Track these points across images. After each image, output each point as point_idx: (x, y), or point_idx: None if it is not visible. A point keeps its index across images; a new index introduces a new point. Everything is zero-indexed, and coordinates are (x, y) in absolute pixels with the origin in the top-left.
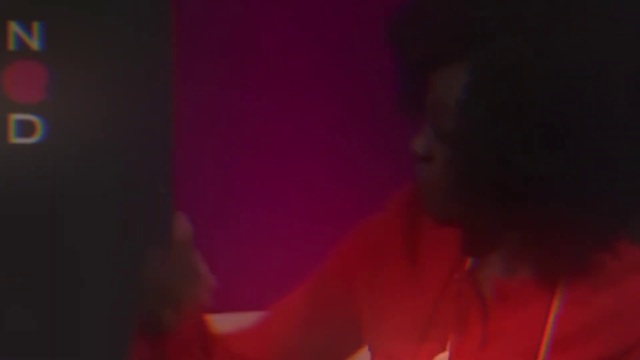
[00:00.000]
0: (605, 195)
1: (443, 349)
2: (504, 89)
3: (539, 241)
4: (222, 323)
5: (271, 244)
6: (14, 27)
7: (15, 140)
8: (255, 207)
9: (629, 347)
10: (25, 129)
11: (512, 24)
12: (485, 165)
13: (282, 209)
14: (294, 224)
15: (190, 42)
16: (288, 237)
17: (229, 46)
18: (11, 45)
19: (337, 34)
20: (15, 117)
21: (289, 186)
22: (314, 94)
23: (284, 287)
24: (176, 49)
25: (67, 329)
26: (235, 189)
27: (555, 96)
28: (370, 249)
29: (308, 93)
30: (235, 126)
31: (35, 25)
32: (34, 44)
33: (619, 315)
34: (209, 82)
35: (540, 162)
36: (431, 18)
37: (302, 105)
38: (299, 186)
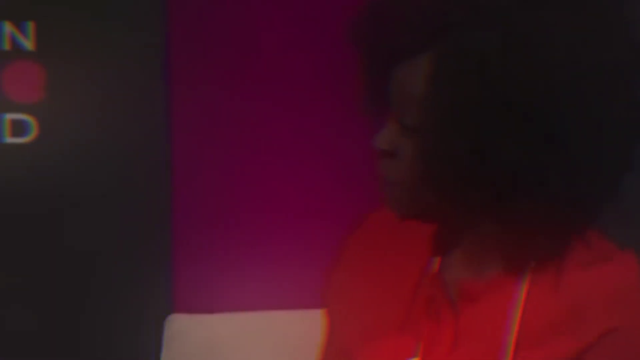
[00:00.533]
0: (577, 184)
1: (415, 353)
2: (471, 77)
3: (509, 234)
4: (222, 323)
5: (271, 244)
6: (9, 28)
7: (9, 139)
8: (254, 207)
9: (596, 339)
10: (20, 128)
11: (477, 14)
12: (455, 156)
13: (282, 208)
14: (293, 224)
15: (186, 42)
16: (288, 238)
17: (227, 46)
18: (6, 46)
19: (337, 34)
20: (9, 117)
21: (289, 186)
22: (314, 93)
23: (283, 287)
24: (172, 49)
25: (63, 328)
26: (235, 189)
27: (524, 84)
28: (344, 262)
29: (308, 93)
30: (234, 126)
31: (31, 26)
32: (29, 44)
33: (586, 309)
34: (206, 82)
35: (512, 151)
36: (395, 11)
37: (301, 105)
38: (298, 186)
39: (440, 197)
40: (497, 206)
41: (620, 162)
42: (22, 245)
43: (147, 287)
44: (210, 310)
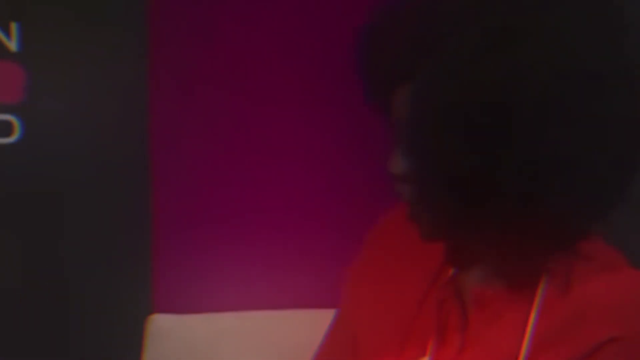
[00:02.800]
0: (563, 194)
1: (423, 354)
2: (445, 95)
3: (524, 245)
4: (203, 323)
5: (252, 244)
6: None
7: None
8: (235, 207)
9: (596, 346)
10: (3, 129)
11: (454, 39)
12: (443, 177)
13: (264, 208)
14: (275, 224)
15: (168, 41)
16: (270, 238)
17: (210, 46)
18: None
19: (322, 33)
20: None
21: (271, 186)
22: (297, 92)
23: (264, 287)
24: (154, 49)
25: (42, 328)
26: (216, 189)
27: (498, 92)
28: (365, 255)
29: (291, 90)
30: (215, 126)
31: (14, 27)
32: (12, 45)
33: (589, 316)
34: (188, 81)
35: (486, 164)
36: (382, 38)
37: (285, 103)
38: (280, 186)
39: (444, 219)
40: (488, 221)
41: (626, 166)
42: (4, 245)
43: (127, 287)
44: (191, 310)
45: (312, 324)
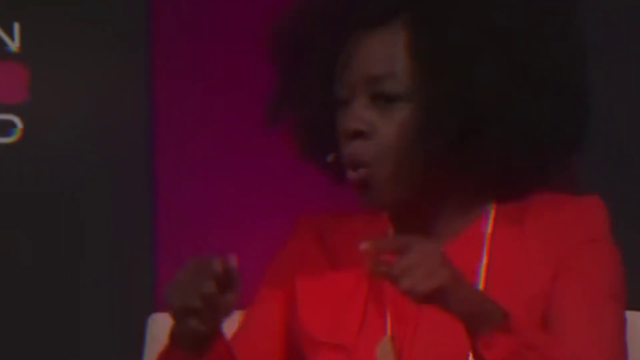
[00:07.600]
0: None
1: (384, 332)
2: (453, 39)
3: (468, 182)
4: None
5: (253, 244)
6: None
7: None
8: (237, 207)
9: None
10: (4, 129)
11: None
12: (452, 118)
13: (266, 209)
14: (277, 224)
15: (169, 42)
16: (271, 238)
17: (211, 46)
18: None
19: None
20: None
21: (273, 187)
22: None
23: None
24: (156, 50)
25: (44, 328)
26: (218, 189)
27: (499, 31)
28: (293, 268)
29: None
30: (218, 127)
31: (15, 27)
32: (14, 45)
33: (549, 242)
34: (189, 81)
35: (504, 98)
36: None
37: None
38: (282, 187)
39: (431, 161)
40: (473, 156)
41: (577, 110)
42: (4, 244)
43: (129, 285)
44: None
45: None
